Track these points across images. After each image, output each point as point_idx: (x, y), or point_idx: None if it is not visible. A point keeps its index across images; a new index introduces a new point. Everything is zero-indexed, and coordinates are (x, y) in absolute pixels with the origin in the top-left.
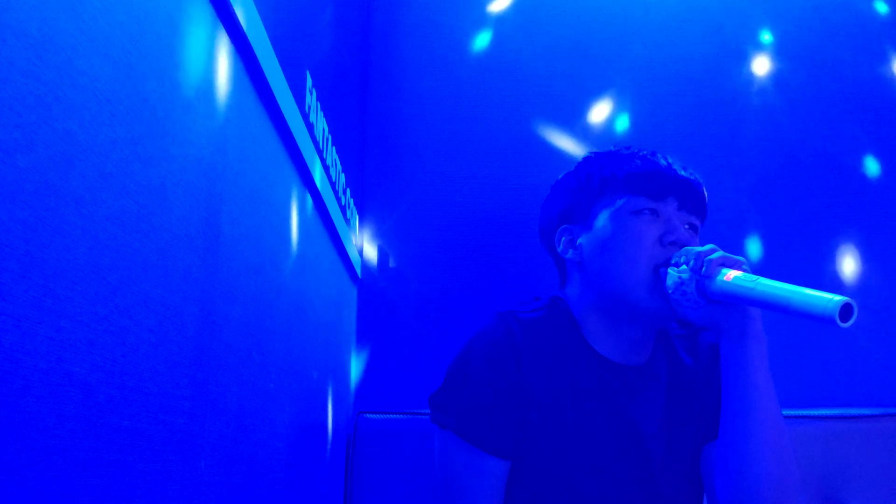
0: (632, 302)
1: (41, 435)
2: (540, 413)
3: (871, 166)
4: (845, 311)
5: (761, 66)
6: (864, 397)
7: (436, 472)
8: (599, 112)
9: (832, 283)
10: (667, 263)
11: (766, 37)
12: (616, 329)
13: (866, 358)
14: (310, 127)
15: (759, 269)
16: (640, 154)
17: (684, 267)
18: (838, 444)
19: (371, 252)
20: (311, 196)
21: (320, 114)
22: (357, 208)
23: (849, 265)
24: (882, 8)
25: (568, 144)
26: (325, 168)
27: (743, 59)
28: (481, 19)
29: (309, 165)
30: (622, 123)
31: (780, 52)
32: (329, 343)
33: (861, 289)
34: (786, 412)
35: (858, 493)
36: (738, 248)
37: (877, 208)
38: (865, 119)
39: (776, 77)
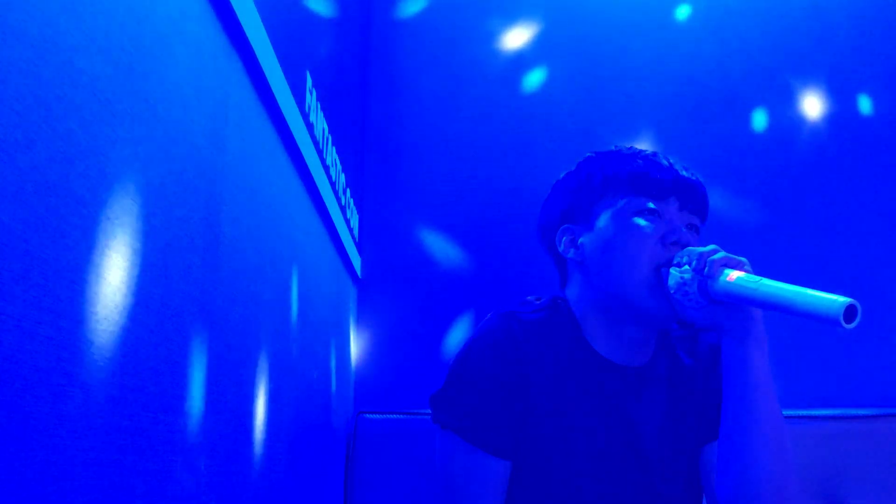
0: (633, 302)
1: (41, 435)
2: (540, 414)
3: (875, 167)
4: (849, 312)
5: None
6: (864, 397)
7: (436, 472)
8: (602, 111)
9: (832, 283)
10: (669, 263)
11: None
12: (617, 330)
13: (866, 358)
14: (310, 127)
15: (758, 269)
16: (642, 154)
17: (686, 267)
18: (838, 444)
19: (371, 252)
20: (311, 196)
21: (320, 114)
22: (357, 208)
23: (849, 265)
24: None
25: (568, 143)
26: (325, 168)
27: (749, 61)
28: (481, 19)
29: (309, 165)
30: (622, 121)
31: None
32: (329, 343)
33: (861, 289)
34: (786, 412)
35: (858, 493)
36: (739, 249)
37: (878, 208)
38: (873, 123)
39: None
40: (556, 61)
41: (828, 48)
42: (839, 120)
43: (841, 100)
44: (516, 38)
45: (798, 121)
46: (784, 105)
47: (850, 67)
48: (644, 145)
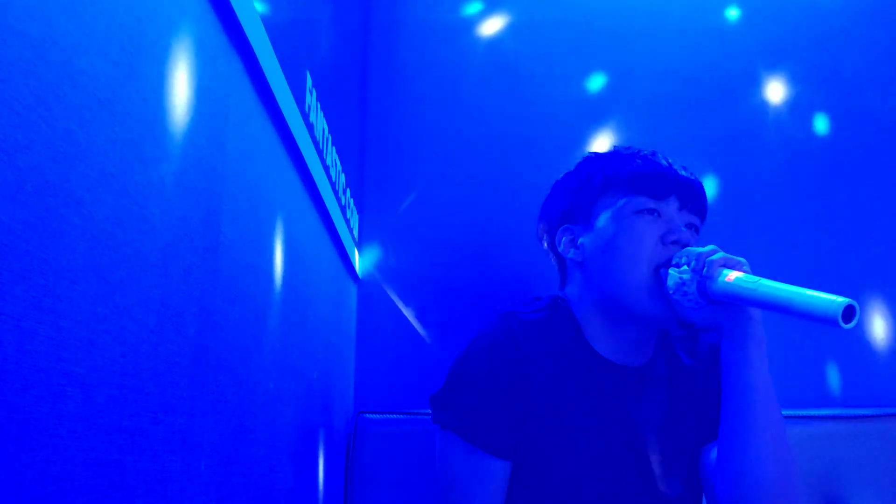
0: (632, 304)
1: (41, 435)
2: (540, 414)
3: (873, 168)
4: (848, 312)
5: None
6: (864, 397)
7: (436, 472)
8: (601, 112)
9: (832, 283)
10: (668, 264)
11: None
12: (617, 330)
13: (866, 358)
14: (310, 127)
15: (757, 268)
16: (641, 154)
17: (685, 268)
18: (838, 444)
19: (371, 252)
20: (311, 196)
21: (320, 114)
22: (357, 208)
23: (849, 265)
24: None
25: (569, 145)
26: (325, 168)
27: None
28: (481, 19)
29: (309, 165)
30: (622, 122)
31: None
32: (329, 343)
33: (861, 289)
34: (786, 412)
35: (858, 493)
36: (738, 249)
37: (878, 207)
38: (874, 126)
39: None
40: (557, 61)
41: (828, 46)
42: (841, 119)
43: (842, 99)
44: (518, 38)
45: (800, 121)
46: (785, 104)
47: (852, 66)
48: (646, 145)
